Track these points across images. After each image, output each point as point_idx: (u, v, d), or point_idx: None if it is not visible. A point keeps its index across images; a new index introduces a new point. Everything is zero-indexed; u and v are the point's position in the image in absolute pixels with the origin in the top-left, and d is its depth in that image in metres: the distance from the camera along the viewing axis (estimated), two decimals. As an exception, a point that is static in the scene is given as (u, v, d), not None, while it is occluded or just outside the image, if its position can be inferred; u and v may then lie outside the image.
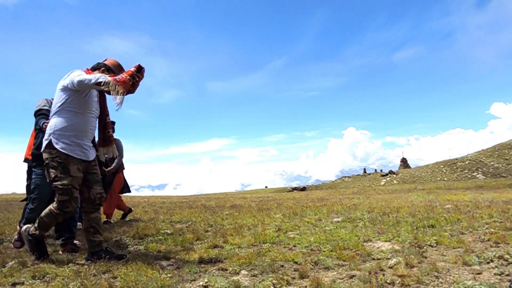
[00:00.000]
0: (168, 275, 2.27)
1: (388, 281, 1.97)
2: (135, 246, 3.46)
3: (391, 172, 36.85)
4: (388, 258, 2.45)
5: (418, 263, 2.31)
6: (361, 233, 3.59)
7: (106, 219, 5.45)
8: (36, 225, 2.81)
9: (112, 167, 5.30)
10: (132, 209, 6.34)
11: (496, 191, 8.83)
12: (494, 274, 1.99)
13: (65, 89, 2.77)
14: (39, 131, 3.40)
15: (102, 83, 2.59)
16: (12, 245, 3.39)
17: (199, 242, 3.54)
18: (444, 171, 31.66)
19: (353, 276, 2.14)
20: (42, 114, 3.45)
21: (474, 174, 28.56)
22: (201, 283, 2.08)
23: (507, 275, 1.96)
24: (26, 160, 3.71)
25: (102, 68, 2.95)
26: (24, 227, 2.93)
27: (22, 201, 4.92)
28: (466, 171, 29.80)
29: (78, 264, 2.62)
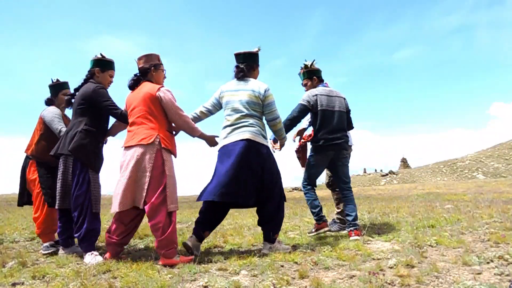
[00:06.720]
0: (168, 275, 2.27)
1: (388, 281, 1.97)
2: (135, 246, 3.46)
3: (391, 172, 36.81)
4: (388, 258, 2.45)
5: (418, 263, 2.31)
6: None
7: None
8: None
9: None
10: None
11: (496, 191, 8.82)
12: (494, 274, 1.99)
13: None
14: None
15: None
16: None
17: (199, 242, 3.54)
18: (444, 171, 31.66)
19: (353, 276, 2.14)
20: None
21: (474, 174, 28.54)
22: (201, 283, 2.07)
23: (507, 275, 1.96)
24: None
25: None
26: None
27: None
28: (466, 171, 29.79)
29: (78, 264, 2.62)
